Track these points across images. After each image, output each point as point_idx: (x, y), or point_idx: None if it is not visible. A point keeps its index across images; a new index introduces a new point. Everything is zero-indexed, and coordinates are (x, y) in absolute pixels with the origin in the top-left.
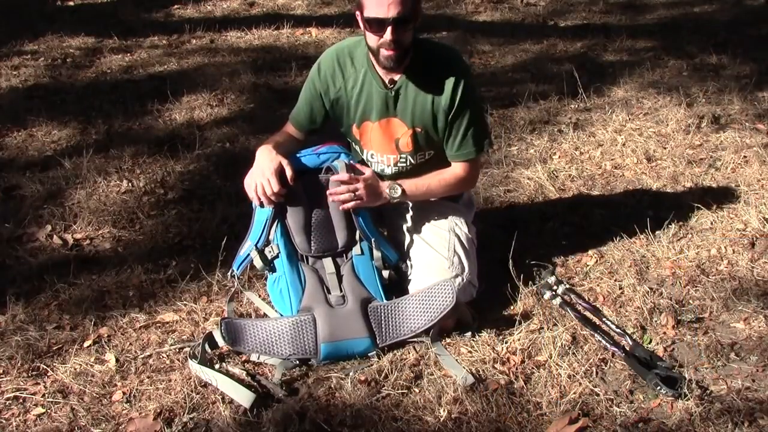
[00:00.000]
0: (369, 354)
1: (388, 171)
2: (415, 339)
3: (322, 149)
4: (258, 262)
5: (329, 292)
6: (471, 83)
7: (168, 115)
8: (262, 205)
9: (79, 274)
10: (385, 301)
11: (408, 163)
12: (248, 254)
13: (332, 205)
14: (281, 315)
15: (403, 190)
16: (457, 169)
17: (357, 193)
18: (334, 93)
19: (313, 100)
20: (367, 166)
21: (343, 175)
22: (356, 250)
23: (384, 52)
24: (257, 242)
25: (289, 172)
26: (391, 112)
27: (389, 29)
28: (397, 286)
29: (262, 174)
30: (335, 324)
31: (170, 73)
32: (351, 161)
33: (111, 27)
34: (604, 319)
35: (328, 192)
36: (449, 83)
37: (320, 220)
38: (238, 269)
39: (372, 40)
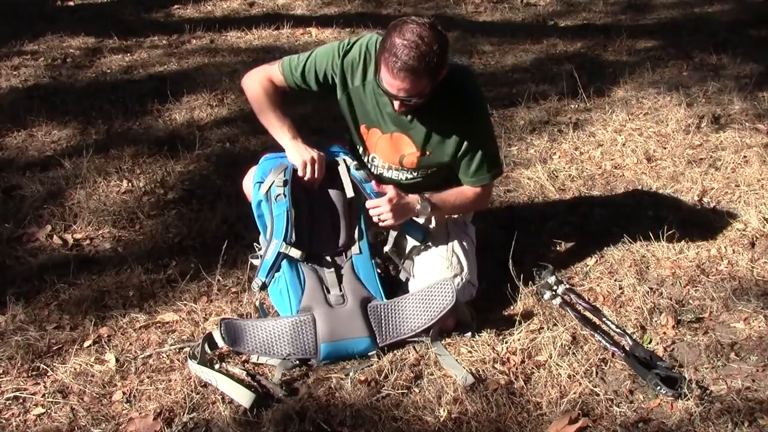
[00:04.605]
0: (369, 354)
1: (387, 175)
2: (415, 339)
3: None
4: (295, 252)
5: (329, 292)
6: (484, 111)
7: (168, 115)
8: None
9: (79, 274)
10: (384, 300)
11: (410, 174)
12: (277, 253)
13: (337, 202)
14: (281, 315)
15: (433, 206)
16: (472, 189)
17: (381, 216)
18: (351, 86)
19: (327, 72)
20: (368, 168)
21: (372, 201)
22: (355, 249)
23: (393, 106)
24: (285, 238)
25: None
26: (403, 129)
27: (397, 103)
28: (396, 285)
29: (317, 155)
30: (335, 324)
31: (170, 73)
32: (351, 160)
33: (111, 27)
34: (604, 319)
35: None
36: (463, 113)
37: (318, 219)
38: (266, 276)
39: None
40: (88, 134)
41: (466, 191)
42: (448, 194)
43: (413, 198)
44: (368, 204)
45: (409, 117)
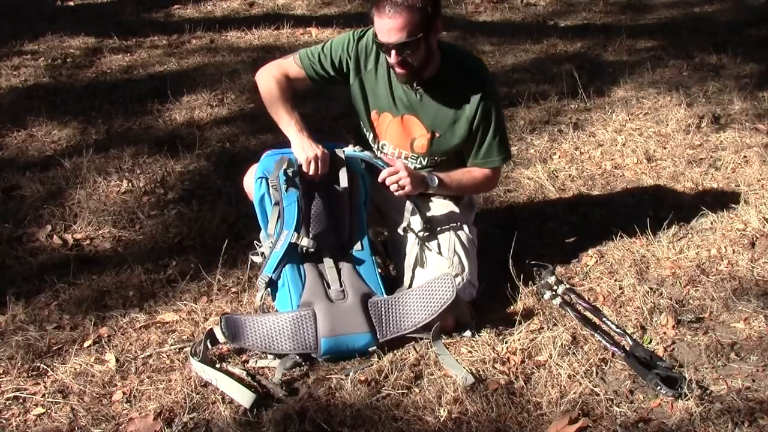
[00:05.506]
0: (369, 349)
1: None
2: (416, 335)
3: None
4: (307, 241)
5: (329, 287)
6: (495, 94)
7: (168, 115)
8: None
9: (79, 274)
10: (385, 295)
11: (419, 164)
12: (288, 244)
13: (340, 198)
14: (280, 310)
15: (440, 181)
16: (480, 170)
17: (401, 182)
18: (364, 71)
19: (342, 57)
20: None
21: (388, 170)
22: (357, 246)
23: (395, 69)
24: (297, 227)
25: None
26: (412, 110)
27: (393, 53)
28: (396, 285)
29: (321, 152)
30: (335, 319)
31: (170, 73)
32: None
33: (111, 27)
34: (604, 319)
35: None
36: (474, 94)
37: (320, 215)
38: (274, 272)
39: (386, 57)
40: (88, 134)
41: (473, 171)
42: (454, 172)
43: (421, 172)
44: (384, 173)
45: (419, 96)
